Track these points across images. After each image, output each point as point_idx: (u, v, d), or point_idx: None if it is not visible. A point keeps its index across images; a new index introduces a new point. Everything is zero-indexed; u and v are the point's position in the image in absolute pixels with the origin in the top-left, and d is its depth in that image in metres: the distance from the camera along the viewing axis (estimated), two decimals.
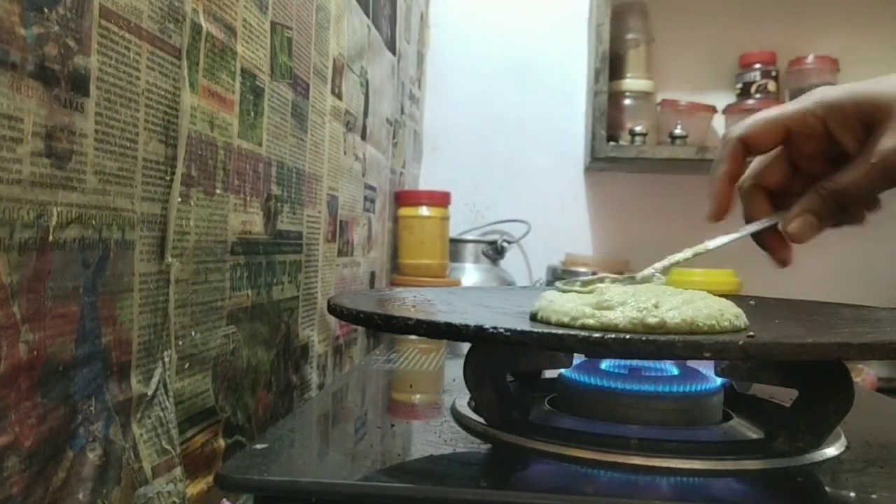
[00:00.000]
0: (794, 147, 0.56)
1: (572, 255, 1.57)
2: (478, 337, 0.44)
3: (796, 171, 0.56)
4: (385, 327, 0.49)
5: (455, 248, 1.52)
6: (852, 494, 0.42)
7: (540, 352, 0.59)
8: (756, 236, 0.57)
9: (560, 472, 0.45)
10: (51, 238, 0.38)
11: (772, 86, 1.61)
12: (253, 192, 0.65)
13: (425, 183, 1.69)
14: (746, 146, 0.55)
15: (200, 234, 0.55)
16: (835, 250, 1.68)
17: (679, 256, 0.57)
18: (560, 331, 0.42)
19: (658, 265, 0.57)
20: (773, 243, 0.57)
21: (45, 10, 0.36)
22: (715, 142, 1.65)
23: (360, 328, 1.04)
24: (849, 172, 0.52)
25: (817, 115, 0.53)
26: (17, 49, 0.34)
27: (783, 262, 0.57)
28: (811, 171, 0.55)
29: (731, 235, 0.56)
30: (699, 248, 0.57)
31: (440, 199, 1.38)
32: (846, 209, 0.54)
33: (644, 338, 0.41)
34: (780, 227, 0.55)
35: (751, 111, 1.59)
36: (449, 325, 0.45)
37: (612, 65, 1.55)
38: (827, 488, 0.44)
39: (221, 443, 0.59)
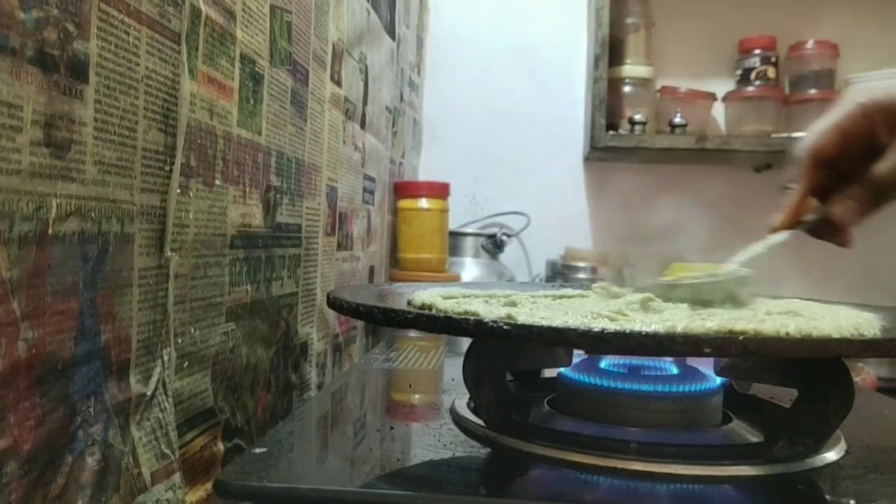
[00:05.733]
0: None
1: (572, 249, 1.56)
2: (478, 331, 0.43)
3: (835, 168, 0.60)
4: (385, 321, 0.49)
5: (454, 241, 1.51)
6: (852, 502, 0.41)
7: (540, 349, 0.58)
8: (812, 230, 0.61)
9: (560, 477, 0.45)
10: (50, 231, 0.36)
11: (771, 72, 1.60)
12: (252, 182, 0.63)
13: (424, 173, 1.68)
14: (818, 160, 0.59)
15: (200, 227, 0.54)
16: (834, 248, 1.68)
17: (757, 248, 0.60)
18: (559, 325, 0.42)
19: (738, 259, 0.59)
20: (829, 232, 0.61)
21: None
22: (715, 130, 1.64)
23: (359, 326, 1.03)
24: (884, 162, 0.56)
25: (866, 114, 0.57)
26: (16, 34, 0.33)
27: (844, 243, 0.61)
28: (848, 167, 0.58)
29: (793, 230, 0.61)
30: (769, 242, 0.60)
31: (440, 191, 1.36)
32: (882, 196, 0.58)
33: (644, 332, 0.40)
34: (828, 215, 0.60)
35: (750, 98, 1.60)
36: (448, 319, 0.45)
37: (612, 50, 1.54)
38: (827, 496, 0.44)
39: (220, 446, 0.58)
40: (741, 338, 0.40)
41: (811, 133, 0.60)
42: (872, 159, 0.57)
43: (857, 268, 1.64)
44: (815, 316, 0.47)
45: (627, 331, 0.40)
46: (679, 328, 0.41)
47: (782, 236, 0.61)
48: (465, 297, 0.56)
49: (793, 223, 0.61)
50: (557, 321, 0.43)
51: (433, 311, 0.49)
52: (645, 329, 0.41)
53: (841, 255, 0.64)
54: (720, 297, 0.54)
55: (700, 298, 0.53)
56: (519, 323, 0.42)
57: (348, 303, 0.51)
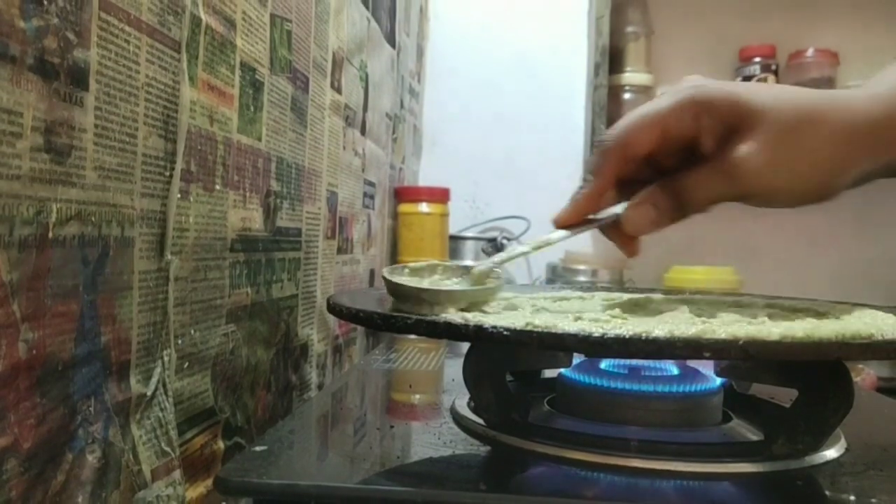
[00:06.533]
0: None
1: (572, 253, 1.57)
2: (477, 336, 0.44)
3: (647, 160, 0.52)
4: (384, 327, 0.49)
5: (454, 245, 1.52)
6: (852, 498, 0.41)
7: (540, 351, 0.58)
8: (603, 228, 0.54)
9: (560, 474, 0.45)
10: (50, 235, 0.37)
11: (771, 80, 1.61)
12: (252, 187, 0.64)
13: (424, 179, 1.69)
14: (625, 152, 0.51)
15: (200, 231, 0.54)
16: (833, 248, 1.69)
17: (520, 249, 0.56)
18: (559, 330, 0.42)
19: (496, 258, 0.55)
20: (620, 235, 0.53)
21: (45, 1, 0.36)
22: None
23: (359, 327, 1.03)
24: (699, 174, 0.49)
25: (692, 111, 0.48)
26: (16, 42, 0.34)
27: (631, 253, 0.54)
28: (664, 165, 0.51)
29: (576, 229, 0.53)
30: (541, 240, 0.54)
31: (440, 196, 1.38)
32: (687, 208, 0.50)
33: (644, 337, 0.40)
34: (620, 218, 0.52)
35: None
36: (448, 325, 0.45)
37: (612, 58, 1.54)
38: (827, 492, 0.44)
39: (221, 444, 0.58)
40: (741, 342, 0.40)
41: (628, 121, 0.51)
42: (688, 160, 0.50)
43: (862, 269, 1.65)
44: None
45: (627, 336, 0.40)
46: (678, 332, 0.41)
47: (560, 235, 0.53)
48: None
49: (579, 220, 0.53)
50: (557, 326, 0.43)
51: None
52: (645, 333, 0.41)
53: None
54: (472, 304, 0.50)
55: (454, 303, 0.50)
56: (518, 328, 0.42)
57: (348, 308, 0.51)
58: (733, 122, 0.48)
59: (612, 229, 0.53)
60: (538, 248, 0.54)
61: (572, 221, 0.53)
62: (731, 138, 0.48)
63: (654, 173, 0.52)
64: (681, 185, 0.49)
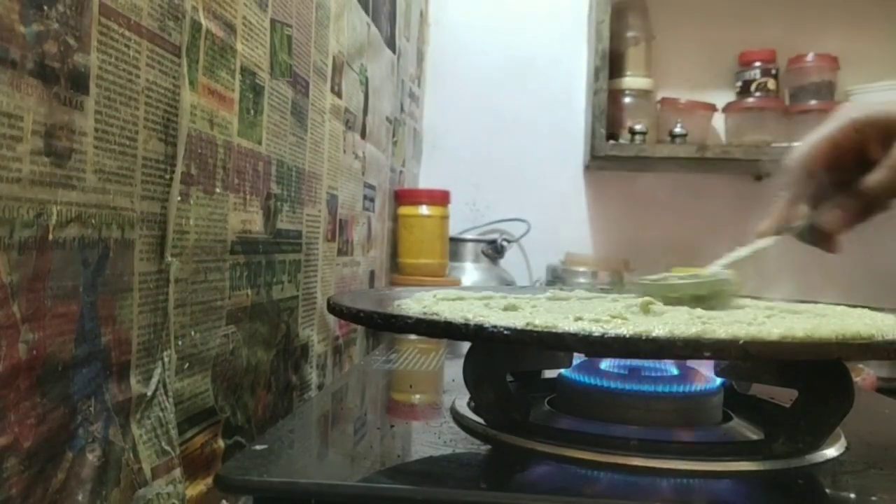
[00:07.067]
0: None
1: (572, 254, 1.57)
2: (478, 336, 0.44)
3: (830, 178, 0.62)
4: (385, 326, 0.49)
5: (455, 247, 1.52)
6: (852, 496, 0.42)
7: (540, 351, 0.58)
8: (800, 236, 0.63)
9: (560, 473, 0.45)
10: (50, 237, 0.37)
11: (771, 84, 1.61)
12: (253, 190, 0.65)
13: (425, 181, 1.69)
14: (806, 167, 0.62)
15: (200, 233, 0.55)
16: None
17: (742, 253, 0.62)
18: (559, 330, 0.42)
19: (722, 262, 0.62)
20: (817, 238, 0.62)
21: (45, 7, 0.36)
22: (715, 140, 1.65)
23: (359, 328, 1.04)
24: (875, 174, 0.59)
25: (857, 129, 0.60)
26: (16, 47, 0.34)
27: (831, 250, 0.63)
28: (840, 178, 0.61)
29: (779, 236, 0.63)
30: (754, 247, 0.62)
31: (440, 198, 1.38)
32: (871, 207, 0.60)
33: (644, 337, 0.40)
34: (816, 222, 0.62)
35: (750, 109, 1.61)
36: (448, 324, 0.45)
37: (612, 63, 1.54)
38: (827, 490, 0.44)
39: (221, 443, 0.59)
40: (741, 342, 0.40)
41: (804, 144, 0.62)
42: (863, 171, 0.59)
43: (855, 270, 1.65)
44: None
45: (628, 335, 0.40)
46: (678, 332, 0.42)
47: (768, 241, 0.62)
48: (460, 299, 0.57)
49: (779, 228, 0.63)
50: (558, 326, 0.43)
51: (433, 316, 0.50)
52: (645, 333, 0.41)
53: (836, 257, 0.65)
54: (703, 298, 0.56)
55: (682, 298, 0.55)
56: (518, 328, 0.42)
57: (349, 308, 0.51)
58: (891, 127, 0.59)
59: (810, 234, 0.63)
60: (754, 252, 0.62)
61: (773, 230, 0.63)
62: (892, 141, 0.58)
63: (835, 187, 0.62)
64: (862, 187, 0.59)
